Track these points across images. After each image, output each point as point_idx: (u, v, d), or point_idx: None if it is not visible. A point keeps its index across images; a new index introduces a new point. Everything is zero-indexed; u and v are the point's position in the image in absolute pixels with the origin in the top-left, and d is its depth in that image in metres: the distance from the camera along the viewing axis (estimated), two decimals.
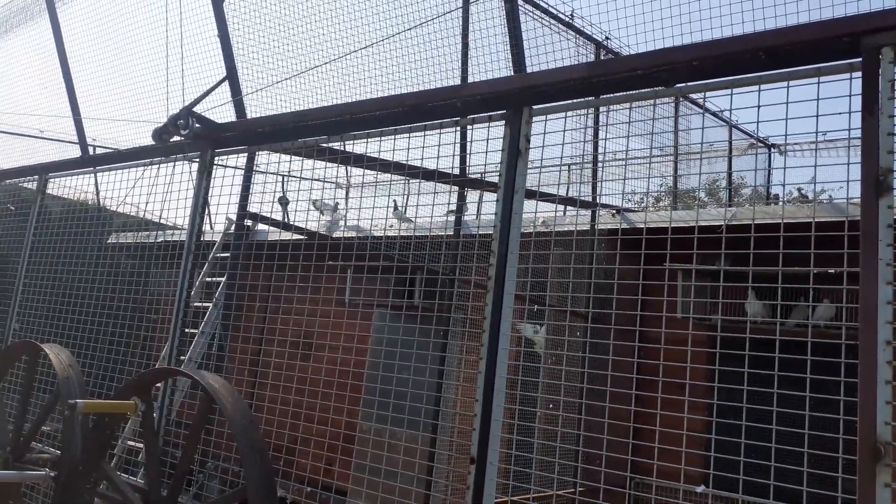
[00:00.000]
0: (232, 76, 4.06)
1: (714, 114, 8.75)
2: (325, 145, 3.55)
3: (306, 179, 4.22)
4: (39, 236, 4.96)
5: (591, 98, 3.02)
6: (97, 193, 5.22)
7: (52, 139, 7.43)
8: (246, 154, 3.89)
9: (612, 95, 2.89)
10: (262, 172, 4.23)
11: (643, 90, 2.73)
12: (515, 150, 2.74)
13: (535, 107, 2.83)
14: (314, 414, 3.69)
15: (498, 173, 2.76)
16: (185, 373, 3.13)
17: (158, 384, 3.48)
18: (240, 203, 3.84)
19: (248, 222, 3.99)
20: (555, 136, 2.99)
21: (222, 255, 8.89)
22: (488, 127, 2.89)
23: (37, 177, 5.07)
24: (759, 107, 2.57)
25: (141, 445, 8.22)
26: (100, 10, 6.02)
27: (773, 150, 10.23)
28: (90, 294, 4.56)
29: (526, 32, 5.21)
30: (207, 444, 3.35)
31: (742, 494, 2.48)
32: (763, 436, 2.41)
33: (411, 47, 5.23)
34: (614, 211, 6.86)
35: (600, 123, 6.59)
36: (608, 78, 2.70)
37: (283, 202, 6.79)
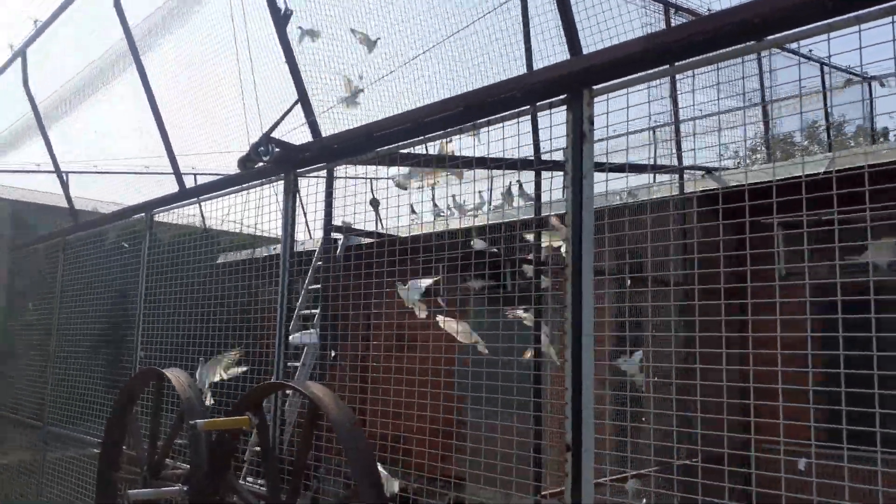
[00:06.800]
0: (303, 98, 4.24)
1: (804, 56, 8.19)
2: (399, 153, 3.63)
3: (391, 178, 4.30)
4: (152, 269, 5.35)
5: (654, 70, 2.90)
6: (203, 219, 5.54)
7: (153, 173, 8.05)
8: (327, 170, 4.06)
9: (683, 62, 2.77)
10: (350, 178, 4.35)
11: (721, 50, 2.57)
12: (579, 134, 2.72)
13: (595, 87, 2.78)
14: (426, 414, 3.79)
15: (564, 159, 2.75)
16: (289, 385, 3.31)
17: (269, 397, 3.68)
18: (325, 218, 4.01)
19: (337, 235, 4.16)
20: (624, 112, 2.91)
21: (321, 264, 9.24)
22: (550, 114, 2.88)
23: (144, 214, 5.47)
24: (860, 48, 2.46)
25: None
26: (179, 56, 6.43)
27: (873, 82, 9.50)
28: (202, 317, 4.87)
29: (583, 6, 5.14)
30: (319, 449, 3.53)
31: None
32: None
33: (469, 45, 5.27)
34: (702, 173, 6.58)
35: (690, 88, 6.30)
36: (675, 44, 2.58)
37: (374, 203, 6.92)
